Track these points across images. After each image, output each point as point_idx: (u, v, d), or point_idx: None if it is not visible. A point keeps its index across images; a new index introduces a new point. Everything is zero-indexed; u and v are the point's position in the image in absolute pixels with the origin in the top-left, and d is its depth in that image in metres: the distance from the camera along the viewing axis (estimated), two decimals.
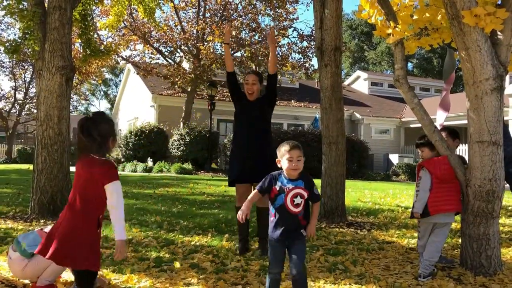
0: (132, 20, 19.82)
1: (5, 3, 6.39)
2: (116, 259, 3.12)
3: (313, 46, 19.87)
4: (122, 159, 20.28)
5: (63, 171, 6.27)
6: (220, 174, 17.84)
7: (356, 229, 6.02)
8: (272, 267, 3.00)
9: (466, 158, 4.12)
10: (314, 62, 38.28)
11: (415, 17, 3.83)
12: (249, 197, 3.06)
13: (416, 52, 5.60)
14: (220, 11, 20.68)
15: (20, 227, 5.45)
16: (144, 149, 19.38)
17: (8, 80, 41.17)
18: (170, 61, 21.17)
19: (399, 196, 10.22)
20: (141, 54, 21.46)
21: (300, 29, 21.30)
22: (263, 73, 20.23)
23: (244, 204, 2.99)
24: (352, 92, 29.86)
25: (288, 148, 2.94)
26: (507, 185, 4.83)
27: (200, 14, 20.64)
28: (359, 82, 31.09)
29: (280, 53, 20.45)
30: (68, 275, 3.51)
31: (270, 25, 21.28)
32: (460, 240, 4.39)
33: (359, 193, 10.22)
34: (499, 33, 3.63)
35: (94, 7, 8.74)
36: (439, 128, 4.26)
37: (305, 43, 20.72)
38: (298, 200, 2.96)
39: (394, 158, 22.56)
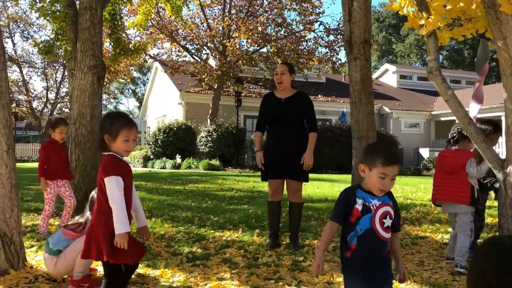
0: (159, 19, 20.04)
1: (38, 5, 6.55)
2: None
3: (339, 39, 19.67)
4: (151, 156, 20.58)
5: (96, 168, 6.38)
6: (248, 170, 17.89)
7: None
8: None
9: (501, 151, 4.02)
10: (341, 56, 37.86)
11: (448, 7, 3.73)
12: (323, 238, 2.28)
13: (446, 43, 5.46)
14: (246, 7, 20.68)
15: (56, 223, 5.59)
16: (173, 146, 19.61)
17: (40, 80, 42.28)
18: (196, 58, 21.33)
19: (431, 190, 10.02)
20: (168, 52, 21.71)
21: (327, 23, 21.10)
22: None
23: (317, 253, 2.23)
24: (381, 86, 29.42)
25: (385, 162, 2.15)
26: None
27: (226, 10, 20.69)
28: (388, 75, 30.61)
29: (306, 47, 20.34)
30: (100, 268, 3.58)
31: (296, 19, 21.14)
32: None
33: None
34: None
35: (122, 7, 8.86)
36: (474, 120, 4.19)
37: (331, 37, 20.54)
38: (387, 221, 2.22)
39: (425, 152, 22.15)
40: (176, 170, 17.43)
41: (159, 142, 19.92)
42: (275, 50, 19.26)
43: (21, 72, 32.24)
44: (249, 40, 19.20)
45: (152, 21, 19.08)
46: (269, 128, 4.71)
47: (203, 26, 20.83)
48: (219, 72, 18.75)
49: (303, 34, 20.49)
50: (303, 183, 4.62)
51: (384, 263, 2.26)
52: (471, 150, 4.12)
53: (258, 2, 20.67)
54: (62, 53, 6.84)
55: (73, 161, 6.32)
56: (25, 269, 3.64)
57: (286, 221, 5.04)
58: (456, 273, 3.77)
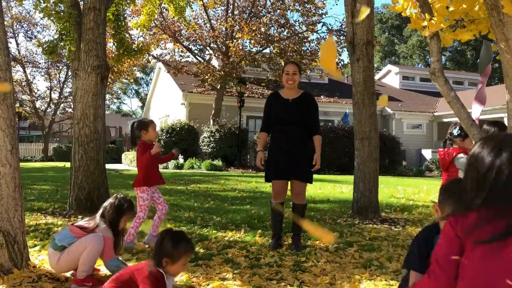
0: (162, 19, 20.08)
1: (42, 5, 6.57)
2: None
3: (342, 41, 19.67)
4: None
5: (99, 168, 6.43)
6: (250, 170, 17.90)
7: (390, 225, 5.94)
8: None
9: None
10: (344, 57, 37.86)
11: (451, 8, 3.74)
12: None
13: (449, 45, 5.45)
14: (249, 8, 20.70)
15: (59, 222, 5.62)
16: (175, 146, 19.60)
17: (44, 80, 42.41)
18: (199, 59, 21.36)
19: (433, 192, 10.01)
20: (171, 53, 21.74)
21: (329, 24, 21.11)
22: None
23: None
24: (383, 87, 29.41)
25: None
26: None
27: (229, 11, 20.72)
28: (390, 76, 30.59)
29: (309, 48, 20.34)
30: (103, 268, 3.59)
31: (299, 20, 21.15)
32: None
33: (392, 189, 10.07)
34: None
35: (126, 7, 8.89)
36: (476, 121, 4.20)
37: (334, 38, 20.53)
38: None
39: (427, 153, 22.13)
40: (178, 170, 17.46)
41: (162, 142, 19.93)
42: (278, 51, 19.27)
43: (24, 72, 32.36)
44: (252, 41, 19.22)
45: (155, 21, 19.12)
46: (274, 128, 4.70)
47: (206, 26, 20.86)
48: (222, 72, 18.78)
49: (306, 35, 20.49)
50: (307, 184, 4.62)
51: None
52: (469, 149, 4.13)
53: (261, 3, 20.70)
54: (66, 54, 6.87)
55: (76, 161, 6.34)
56: (28, 269, 3.65)
57: (288, 222, 5.05)
58: None
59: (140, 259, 3.99)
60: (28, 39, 37.64)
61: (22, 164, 3.89)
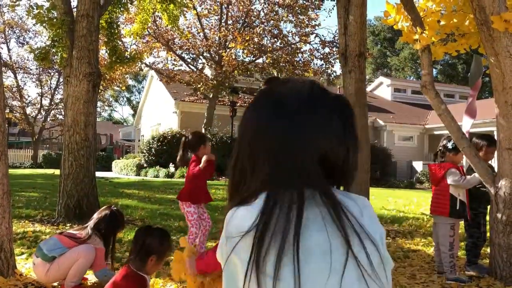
0: (155, 28, 20.10)
1: (35, 11, 6.56)
2: None
3: (335, 52, 19.81)
4: (145, 164, 20.51)
5: (89, 176, 6.38)
6: None
7: None
8: None
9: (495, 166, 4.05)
10: (336, 68, 38.11)
11: (442, 22, 3.79)
12: None
13: (440, 58, 5.48)
14: (242, 18, 20.80)
15: (47, 230, 5.55)
16: (166, 155, 19.55)
17: (35, 86, 42.16)
18: (192, 67, 21.37)
19: (424, 204, 10.06)
20: (164, 61, 21.73)
21: (322, 35, 21.27)
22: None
23: None
24: (375, 99, 29.62)
25: None
26: None
27: (223, 21, 20.80)
28: (382, 88, 30.82)
29: (302, 59, 20.45)
30: (91, 277, 3.55)
31: (292, 31, 21.30)
32: (489, 250, 4.29)
33: (383, 201, 10.09)
34: None
35: (119, 15, 8.88)
36: (466, 135, 4.24)
37: (327, 49, 20.67)
38: None
39: (418, 165, 22.24)
40: (169, 179, 17.37)
41: (153, 151, 19.87)
42: (271, 61, 19.35)
43: (15, 78, 32.14)
44: (245, 51, 19.29)
45: (148, 29, 19.13)
46: None
47: (200, 35, 20.91)
48: (215, 81, 18.80)
49: (299, 46, 20.61)
50: None
51: None
52: (458, 164, 4.14)
53: (255, 13, 20.81)
54: (58, 60, 6.84)
55: (66, 168, 6.29)
56: (14, 277, 3.60)
57: None
58: (447, 285, 3.80)
59: None
60: (20, 44, 37.44)
61: (10, 171, 3.80)
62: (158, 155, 19.78)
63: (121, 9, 7.97)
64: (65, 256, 3.28)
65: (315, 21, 20.42)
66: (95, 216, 3.56)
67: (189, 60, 21.39)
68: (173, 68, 21.69)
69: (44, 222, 6.19)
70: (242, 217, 0.84)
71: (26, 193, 9.38)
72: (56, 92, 33.50)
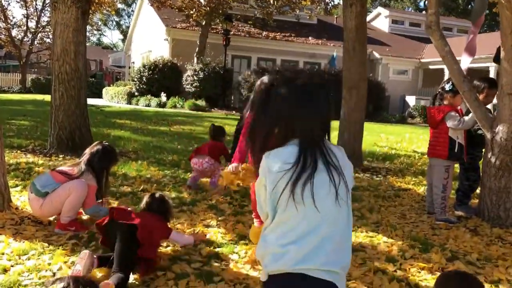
0: None
1: None
2: None
3: None
4: (136, 93, 20.26)
5: (80, 107, 6.27)
6: (234, 112, 17.80)
7: (372, 175, 6.03)
8: None
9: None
10: None
11: None
12: None
13: None
14: None
15: (40, 162, 5.53)
16: (158, 84, 19.25)
17: (20, 7, 40.45)
18: None
19: (416, 141, 10.15)
20: None
21: None
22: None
23: None
24: (372, 30, 28.86)
25: None
26: None
27: None
28: (380, 20, 30.02)
29: None
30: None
31: None
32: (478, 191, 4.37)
33: (375, 137, 10.14)
34: None
35: None
36: (464, 72, 4.19)
37: None
38: None
39: (411, 100, 22.21)
40: (161, 109, 17.25)
41: (144, 79, 19.53)
42: None
43: None
44: None
45: None
46: None
47: None
48: (208, 8, 18.11)
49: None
50: None
51: None
52: (458, 107, 4.10)
53: None
54: None
55: (56, 99, 6.16)
56: (10, 210, 3.62)
57: None
58: (436, 226, 3.92)
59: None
60: None
61: None
62: (149, 84, 19.47)
63: None
64: (57, 191, 3.28)
65: None
66: (87, 151, 3.53)
67: None
68: None
69: (37, 152, 6.15)
70: (285, 154, 1.51)
71: (17, 121, 9.27)
72: (42, 14, 32.25)
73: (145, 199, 3.05)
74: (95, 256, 2.67)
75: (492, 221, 3.96)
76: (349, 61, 6.29)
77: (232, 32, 19.43)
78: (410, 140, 10.09)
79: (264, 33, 22.06)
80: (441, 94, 4.10)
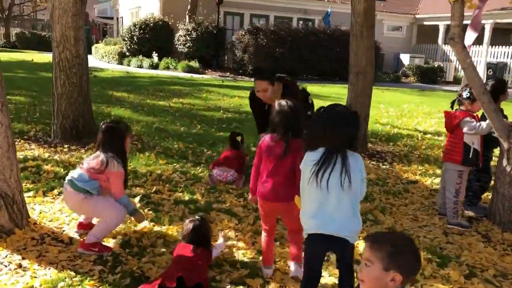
0: None
1: None
2: None
3: None
4: (127, 53, 19.78)
5: (83, 94, 6.13)
6: (228, 74, 17.55)
7: (378, 162, 6.07)
8: None
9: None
10: None
11: None
12: None
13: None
14: None
15: (46, 155, 5.46)
16: (149, 44, 18.81)
17: None
18: None
19: (415, 114, 10.17)
20: None
21: None
22: None
23: None
24: None
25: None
26: None
27: None
28: None
29: None
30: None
31: None
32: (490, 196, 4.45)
33: (375, 110, 10.10)
34: None
35: None
36: (468, 49, 4.16)
37: None
38: None
39: (405, 58, 22.03)
40: (154, 71, 16.94)
41: (135, 39, 19.04)
42: None
43: None
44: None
45: None
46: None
47: None
48: None
49: None
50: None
51: None
52: (475, 113, 4.09)
53: None
54: None
55: (58, 87, 6.00)
56: (29, 227, 3.61)
57: None
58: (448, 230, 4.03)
59: None
60: None
61: None
62: (140, 44, 19.02)
63: None
64: (106, 200, 3.34)
65: None
66: (98, 140, 3.44)
67: None
68: None
69: (41, 142, 6.06)
70: (314, 155, 2.34)
71: (12, 97, 9.04)
72: None
73: (186, 229, 3.11)
74: None
75: (503, 225, 4.06)
76: (356, 46, 6.16)
77: None
78: (410, 114, 10.10)
79: None
80: (459, 100, 4.08)
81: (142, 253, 3.32)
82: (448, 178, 4.14)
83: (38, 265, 3.08)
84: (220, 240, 3.37)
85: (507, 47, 20.36)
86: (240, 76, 17.31)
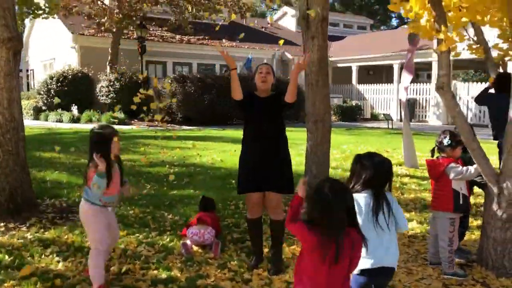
0: None
1: None
2: None
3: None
4: (43, 107, 18.51)
5: (20, 163, 5.39)
6: (157, 123, 16.97)
7: None
8: None
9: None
10: None
11: (464, 19, 3.47)
12: None
13: (459, 56, 5.23)
14: None
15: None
16: (68, 97, 17.76)
17: None
18: None
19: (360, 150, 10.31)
20: None
21: None
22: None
23: None
24: (280, 30, 29.42)
25: None
26: None
27: None
28: (286, 19, 30.62)
29: None
30: None
31: None
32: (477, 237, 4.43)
33: (335, 153, 10.14)
34: None
35: None
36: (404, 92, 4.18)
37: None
38: None
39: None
40: (77, 126, 15.91)
41: (52, 92, 17.90)
42: None
43: None
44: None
45: None
46: (247, 131, 4.22)
47: None
48: (120, 15, 16.95)
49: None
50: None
51: None
52: (456, 159, 4.08)
53: None
54: None
55: None
56: None
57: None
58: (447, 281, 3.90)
59: None
60: None
61: None
62: (58, 97, 17.89)
63: None
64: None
65: None
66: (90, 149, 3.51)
67: None
68: None
69: None
70: (364, 197, 2.87)
71: None
72: None
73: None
74: None
75: (497, 270, 4.02)
76: (313, 95, 6.10)
77: (150, 37, 18.51)
78: (352, 156, 10.23)
79: (178, 37, 21.35)
80: (440, 148, 4.06)
81: None
82: (441, 227, 4.05)
83: None
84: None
85: (416, 84, 22.08)
86: (169, 125, 16.82)
